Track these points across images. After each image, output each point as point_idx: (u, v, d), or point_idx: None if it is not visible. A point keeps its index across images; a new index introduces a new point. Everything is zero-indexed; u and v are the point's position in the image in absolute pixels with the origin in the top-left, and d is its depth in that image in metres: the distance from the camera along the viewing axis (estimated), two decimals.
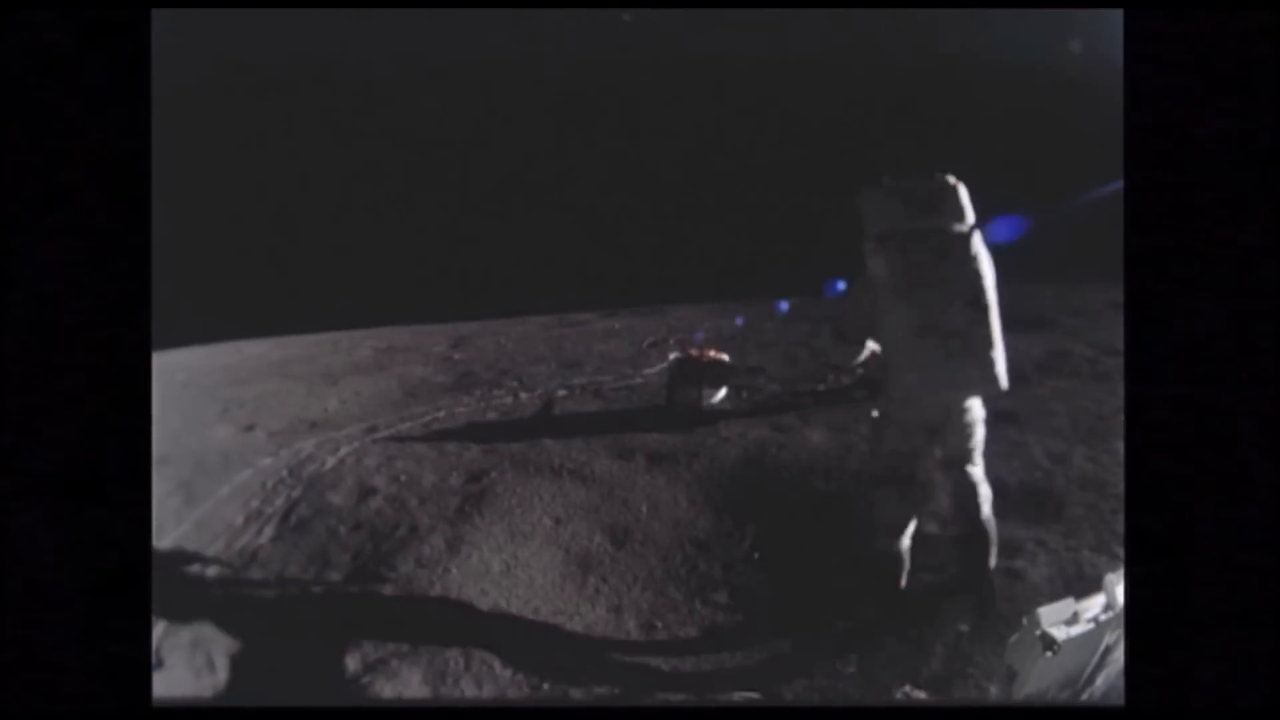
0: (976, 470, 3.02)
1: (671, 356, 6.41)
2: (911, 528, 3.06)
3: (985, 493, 3.03)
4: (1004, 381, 2.73)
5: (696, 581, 3.62)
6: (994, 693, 2.67)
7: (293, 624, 3.45)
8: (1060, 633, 1.90)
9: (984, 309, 2.68)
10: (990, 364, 2.69)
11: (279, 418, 6.51)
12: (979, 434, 2.96)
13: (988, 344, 2.69)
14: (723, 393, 6.14)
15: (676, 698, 2.87)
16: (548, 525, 4.09)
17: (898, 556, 3.07)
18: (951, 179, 2.80)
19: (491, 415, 6.16)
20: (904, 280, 2.67)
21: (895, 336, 2.73)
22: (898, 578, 3.09)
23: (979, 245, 2.75)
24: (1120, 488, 3.87)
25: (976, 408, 2.92)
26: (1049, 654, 1.88)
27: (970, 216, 2.78)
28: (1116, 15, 1.84)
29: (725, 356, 6.13)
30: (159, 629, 3.38)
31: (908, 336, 2.68)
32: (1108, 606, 1.97)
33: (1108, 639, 1.95)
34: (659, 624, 3.33)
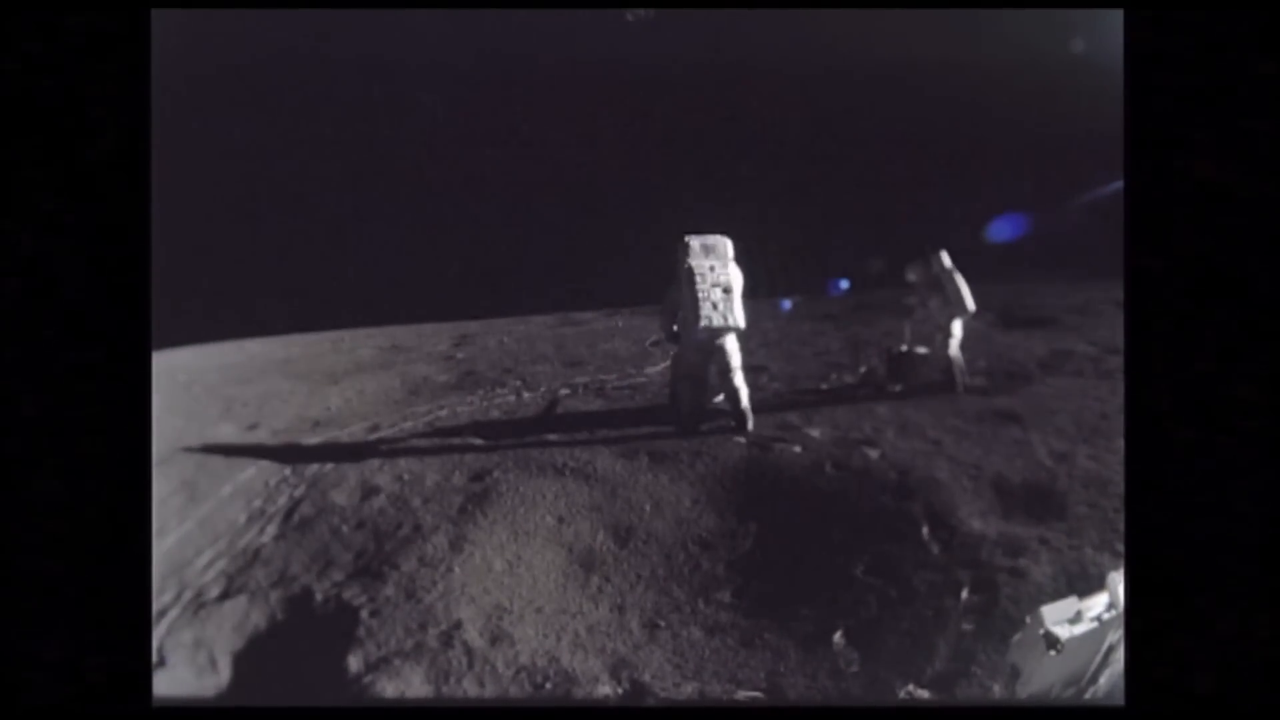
0: (737, 376, 5.35)
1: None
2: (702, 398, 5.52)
3: (744, 391, 5.38)
4: (742, 324, 5.20)
5: (699, 580, 3.62)
6: (997, 691, 2.67)
7: (295, 623, 3.45)
8: (1063, 631, 1.89)
9: (732, 292, 5.19)
10: (736, 319, 5.16)
11: (282, 416, 6.52)
12: (735, 359, 5.33)
13: (731, 309, 5.15)
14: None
15: (679, 697, 2.87)
16: (550, 524, 4.10)
17: (692, 413, 5.46)
18: (727, 239, 5.38)
19: (494, 414, 6.17)
20: (696, 281, 5.17)
21: (689, 307, 5.15)
22: (693, 420, 5.43)
23: (734, 268, 5.28)
24: (1122, 486, 3.87)
25: (731, 341, 5.30)
26: (1052, 653, 1.87)
27: (731, 254, 5.32)
28: (1116, 15, 1.84)
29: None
30: (160, 629, 3.39)
31: (694, 308, 5.12)
32: (1111, 605, 1.97)
33: (1111, 638, 1.95)
34: (662, 623, 3.33)
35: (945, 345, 6.12)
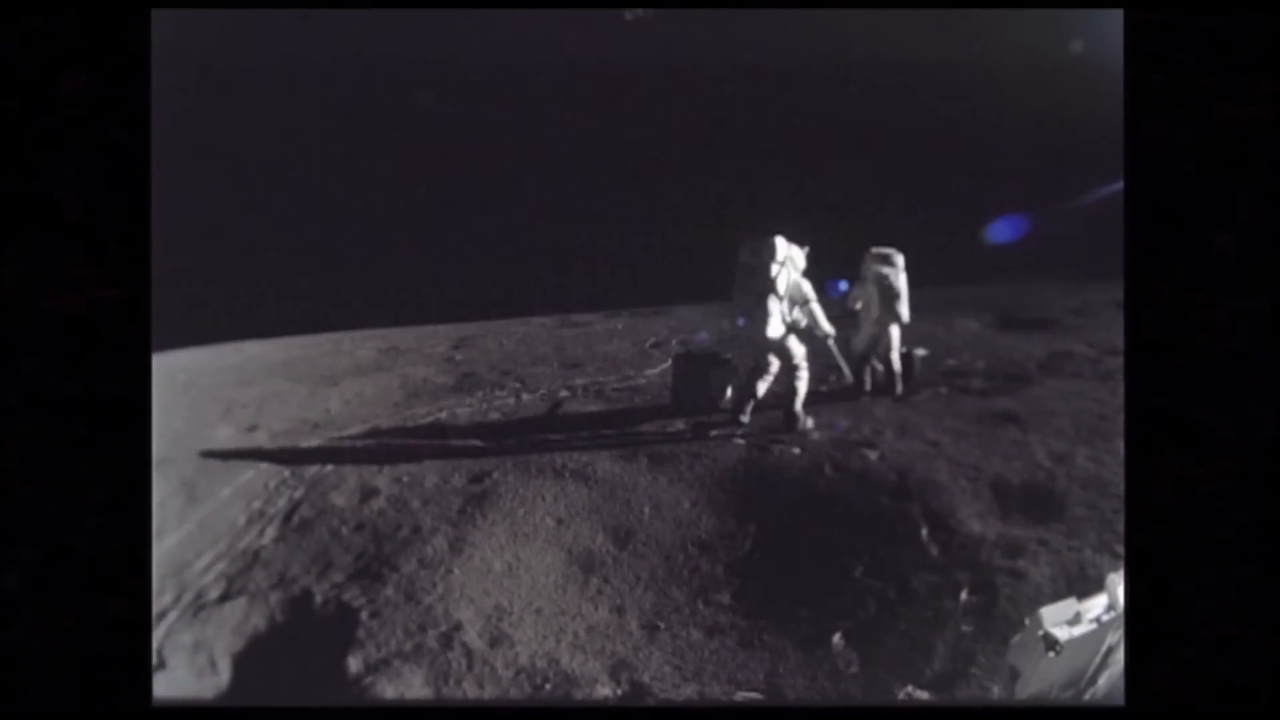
0: (801, 377, 5.25)
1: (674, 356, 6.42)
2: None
3: (802, 388, 5.26)
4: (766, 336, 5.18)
5: (699, 582, 3.62)
6: (996, 693, 2.67)
7: (294, 625, 3.45)
8: (1062, 633, 1.89)
9: (766, 299, 5.14)
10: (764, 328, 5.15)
11: (281, 418, 6.51)
12: (798, 352, 5.26)
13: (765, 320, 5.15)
14: (729, 393, 6.13)
15: (678, 698, 2.87)
16: (550, 526, 4.09)
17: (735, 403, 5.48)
18: (779, 239, 5.23)
19: (493, 416, 6.16)
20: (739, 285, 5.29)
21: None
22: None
23: (777, 271, 5.14)
24: (1122, 488, 3.87)
25: (792, 343, 5.27)
26: (1051, 654, 1.88)
27: (779, 256, 5.17)
28: (1116, 15, 1.84)
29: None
30: (159, 630, 3.39)
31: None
32: (1110, 607, 1.97)
33: (1110, 639, 1.95)
34: (661, 624, 3.33)
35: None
